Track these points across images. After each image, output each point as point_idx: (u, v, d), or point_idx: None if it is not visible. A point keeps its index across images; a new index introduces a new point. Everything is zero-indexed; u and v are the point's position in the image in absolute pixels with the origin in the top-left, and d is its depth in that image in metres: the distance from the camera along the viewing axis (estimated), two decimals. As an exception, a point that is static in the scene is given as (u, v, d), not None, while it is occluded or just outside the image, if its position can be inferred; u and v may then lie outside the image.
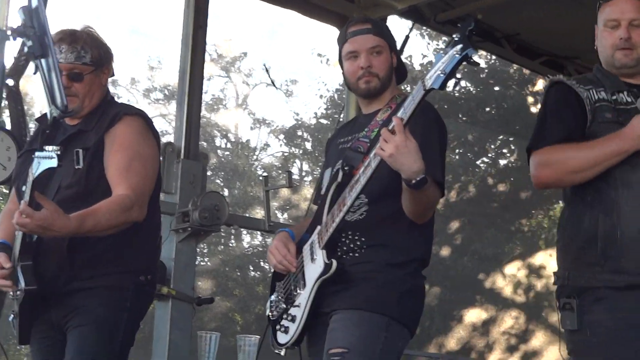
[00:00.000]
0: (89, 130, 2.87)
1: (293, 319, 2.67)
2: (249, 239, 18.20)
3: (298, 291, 2.62)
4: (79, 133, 2.89)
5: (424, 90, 2.23)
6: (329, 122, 16.28)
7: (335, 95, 16.88)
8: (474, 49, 2.09)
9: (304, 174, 18.31)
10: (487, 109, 14.09)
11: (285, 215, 17.07)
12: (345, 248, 2.57)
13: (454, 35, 2.14)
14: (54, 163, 2.53)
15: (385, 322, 2.48)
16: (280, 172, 17.26)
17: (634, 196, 2.38)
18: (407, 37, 5.81)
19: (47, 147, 2.61)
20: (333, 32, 5.51)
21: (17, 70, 4.75)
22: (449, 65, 2.13)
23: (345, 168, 2.67)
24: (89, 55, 2.83)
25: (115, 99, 3.17)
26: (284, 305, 2.73)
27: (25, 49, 2.31)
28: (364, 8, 5.41)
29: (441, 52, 2.17)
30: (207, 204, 4.52)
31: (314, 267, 2.51)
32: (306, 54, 32.12)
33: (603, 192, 2.41)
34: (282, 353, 2.78)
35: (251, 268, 17.87)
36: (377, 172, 2.39)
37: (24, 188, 2.71)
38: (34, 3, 2.30)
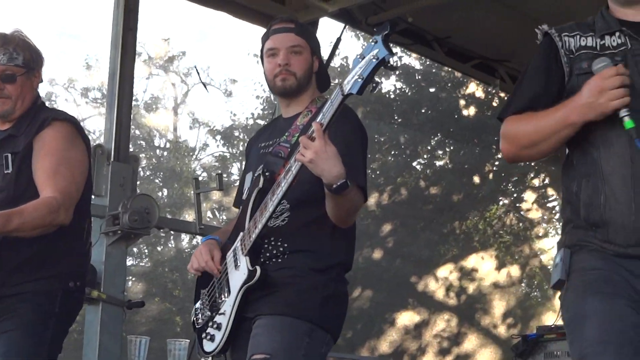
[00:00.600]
0: (19, 135, 2.93)
1: (219, 327, 2.69)
2: (188, 239, 18.21)
3: (223, 298, 2.64)
4: (9, 137, 2.94)
5: (342, 95, 2.26)
6: (266, 122, 16.32)
7: (272, 96, 16.98)
8: (390, 54, 2.13)
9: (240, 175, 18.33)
10: (422, 111, 14.32)
11: (222, 216, 17.08)
12: (268, 254, 2.58)
13: (371, 39, 2.18)
14: None
15: (308, 328, 2.50)
16: (219, 172, 17.32)
17: (616, 154, 2.14)
18: (339, 38, 5.93)
19: None
20: (265, 34, 5.61)
21: None
22: (366, 70, 2.17)
23: (266, 174, 2.69)
24: (21, 57, 2.90)
25: (53, 97, 3.21)
26: (209, 313, 2.74)
27: None
28: (294, 10, 5.51)
29: (359, 56, 2.20)
30: (137, 207, 4.52)
31: (238, 274, 2.53)
32: (243, 54, 32.18)
33: (587, 153, 2.19)
34: None
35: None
36: (298, 177, 2.42)
37: None
38: None
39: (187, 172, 18.99)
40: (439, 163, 15.02)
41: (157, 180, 19.20)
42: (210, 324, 2.73)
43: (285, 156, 2.71)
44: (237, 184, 3.24)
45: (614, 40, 2.27)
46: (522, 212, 14.46)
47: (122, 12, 4.81)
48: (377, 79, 2.22)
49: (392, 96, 14.49)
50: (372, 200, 13.35)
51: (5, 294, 2.89)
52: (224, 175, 15.28)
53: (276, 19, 2.94)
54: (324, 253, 2.62)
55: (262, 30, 2.95)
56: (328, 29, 15.36)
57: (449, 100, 14.21)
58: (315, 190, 2.46)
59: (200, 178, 15.21)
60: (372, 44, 2.17)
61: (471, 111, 14.09)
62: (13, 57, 2.86)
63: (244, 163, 3.56)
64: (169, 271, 16.99)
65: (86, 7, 29.70)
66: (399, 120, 14.56)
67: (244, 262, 2.51)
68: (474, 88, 13.71)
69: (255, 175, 2.75)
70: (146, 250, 17.92)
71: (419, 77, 14.71)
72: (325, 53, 5.87)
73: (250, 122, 17.90)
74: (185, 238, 18.10)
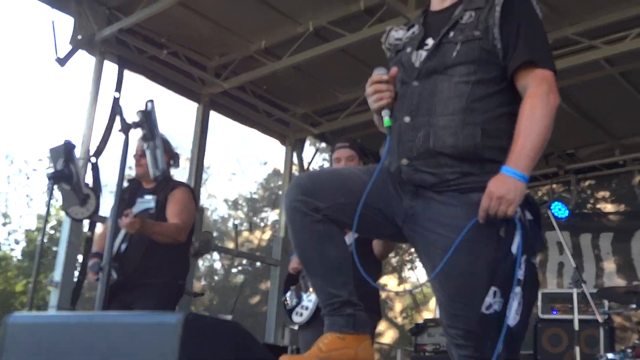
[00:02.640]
0: (159, 191, 4.44)
1: (307, 308, 3.79)
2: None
3: (309, 291, 3.78)
4: (152, 191, 4.43)
5: None
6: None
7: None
8: None
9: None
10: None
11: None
12: None
13: None
14: (152, 205, 4.29)
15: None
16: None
17: None
18: (317, 149, 9.45)
19: (147, 196, 4.34)
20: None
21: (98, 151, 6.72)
22: None
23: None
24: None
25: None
26: (297, 300, 3.86)
27: (141, 134, 3.21)
28: (294, 131, 8.95)
29: None
30: (203, 238, 6.79)
31: None
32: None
33: None
34: (296, 328, 3.95)
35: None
36: None
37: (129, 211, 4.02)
38: (149, 108, 3.23)
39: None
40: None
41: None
42: (300, 306, 3.82)
43: None
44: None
45: (412, 32, 2.59)
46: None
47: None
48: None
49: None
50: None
51: (143, 283, 4.24)
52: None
53: (338, 141, 4.11)
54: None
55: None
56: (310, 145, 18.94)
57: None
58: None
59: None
60: None
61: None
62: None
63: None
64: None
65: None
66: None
67: None
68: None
69: None
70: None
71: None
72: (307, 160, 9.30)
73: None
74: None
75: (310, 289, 3.86)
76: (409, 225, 2.42)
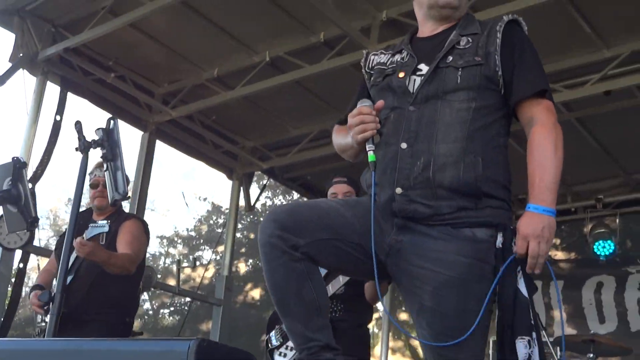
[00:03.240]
0: (110, 222, 4.19)
1: (292, 349, 3.78)
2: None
3: None
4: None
5: None
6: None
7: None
8: None
9: None
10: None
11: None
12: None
13: None
14: (105, 229, 4.06)
15: None
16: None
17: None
18: (265, 185, 9.18)
19: (100, 222, 4.09)
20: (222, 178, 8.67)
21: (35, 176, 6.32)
22: None
23: None
24: None
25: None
26: (282, 340, 3.88)
27: (101, 154, 2.98)
28: (243, 165, 8.59)
29: None
30: (146, 274, 7.07)
31: None
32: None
33: None
34: None
35: None
36: None
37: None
38: (111, 126, 3.01)
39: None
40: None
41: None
42: (285, 346, 3.84)
43: None
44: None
45: (398, 57, 2.50)
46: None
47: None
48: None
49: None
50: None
51: (85, 319, 3.97)
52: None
53: (336, 177, 4.13)
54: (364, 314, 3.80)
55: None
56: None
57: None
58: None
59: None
60: None
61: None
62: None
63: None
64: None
65: None
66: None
67: None
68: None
69: None
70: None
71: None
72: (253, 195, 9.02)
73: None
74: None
75: None
76: (393, 260, 2.32)
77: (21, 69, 6.52)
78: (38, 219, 3.25)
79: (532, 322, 2.19)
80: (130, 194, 7.18)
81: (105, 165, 3.01)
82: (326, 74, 6.60)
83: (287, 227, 2.25)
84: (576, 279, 8.45)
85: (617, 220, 8.24)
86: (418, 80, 2.38)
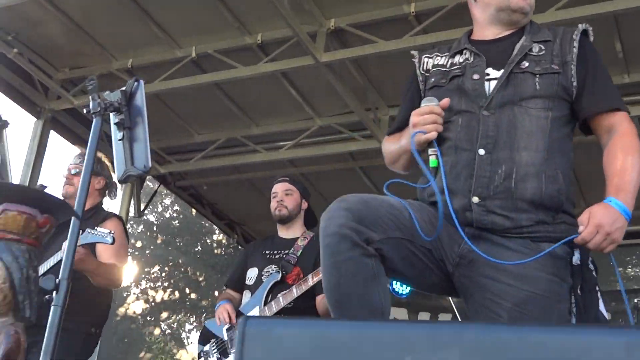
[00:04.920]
0: (87, 219, 3.67)
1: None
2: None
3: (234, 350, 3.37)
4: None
5: None
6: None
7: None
8: None
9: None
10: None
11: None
12: None
13: None
14: (109, 241, 3.46)
15: None
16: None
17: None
18: (156, 191, 8.54)
19: (100, 230, 3.49)
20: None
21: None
22: None
23: (283, 272, 3.72)
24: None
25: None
26: (218, 356, 3.80)
27: (116, 120, 2.42)
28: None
29: None
30: None
31: None
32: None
33: None
34: None
35: None
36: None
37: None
38: (134, 88, 2.46)
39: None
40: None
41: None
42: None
43: (294, 263, 3.73)
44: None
45: (460, 58, 2.38)
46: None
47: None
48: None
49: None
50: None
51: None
52: None
53: (278, 177, 4.11)
54: None
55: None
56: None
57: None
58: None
59: None
60: None
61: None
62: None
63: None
64: None
65: None
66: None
67: None
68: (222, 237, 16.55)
69: (266, 272, 3.76)
70: None
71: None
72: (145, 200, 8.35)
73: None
74: None
75: None
76: (463, 271, 2.21)
77: None
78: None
79: None
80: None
81: (121, 134, 2.45)
82: (247, 79, 6.18)
83: (363, 218, 2.08)
84: (464, 313, 8.28)
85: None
86: (493, 83, 2.28)
